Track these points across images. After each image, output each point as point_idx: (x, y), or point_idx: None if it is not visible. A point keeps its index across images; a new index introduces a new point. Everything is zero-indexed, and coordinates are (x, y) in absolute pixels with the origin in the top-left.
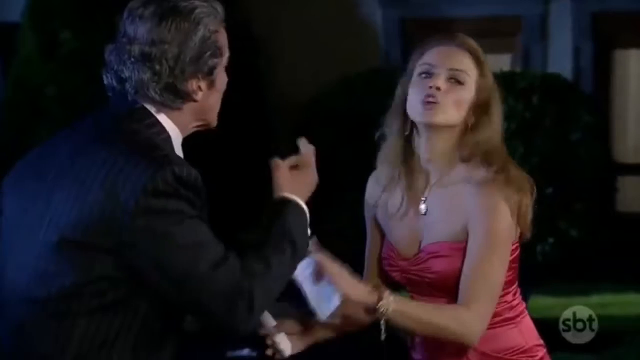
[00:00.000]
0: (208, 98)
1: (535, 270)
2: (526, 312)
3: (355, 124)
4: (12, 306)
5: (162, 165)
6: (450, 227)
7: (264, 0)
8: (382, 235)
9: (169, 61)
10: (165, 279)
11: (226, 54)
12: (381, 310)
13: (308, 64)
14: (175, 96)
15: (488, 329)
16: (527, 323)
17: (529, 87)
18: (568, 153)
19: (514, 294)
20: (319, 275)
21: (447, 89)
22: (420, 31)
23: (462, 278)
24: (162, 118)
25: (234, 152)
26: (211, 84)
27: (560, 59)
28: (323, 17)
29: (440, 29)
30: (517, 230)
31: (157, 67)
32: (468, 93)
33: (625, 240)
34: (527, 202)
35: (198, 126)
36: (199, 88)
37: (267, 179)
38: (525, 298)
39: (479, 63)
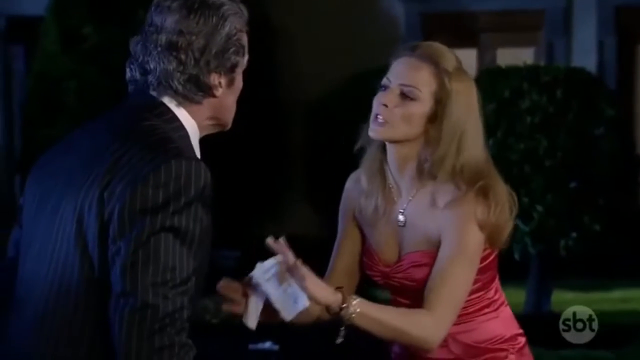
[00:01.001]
0: (227, 96)
1: (558, 265)
2: (506, 302)
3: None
4: (31, 303)
5: (170, 157)
6: (427, 237)
7: None
8: (360, 235)
9: (195, 52)
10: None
11: (247, 56)
12: (345, 312)
13: (326, 59)
14: (197, 88)
15: (469, 321)
16: (507, 313)
17: (553, 81)
18: (591, 147)
19: (495, 290)
20: (283, 276)
21: (396, 104)
22: (442, 25)
23: (429, 284)
24: (182, 113)
25: (249, 148)
26: (231, 82)
27: (583, 53)
28: (341, 11)
29: (462, 24)
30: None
31: (183, 57)
32: (420, 107)
33: None
34: (505, 219)
35: (213, 125)
36: (220, 84)
37: (280, 175)
38: (547, 292)
39: (439, 75)
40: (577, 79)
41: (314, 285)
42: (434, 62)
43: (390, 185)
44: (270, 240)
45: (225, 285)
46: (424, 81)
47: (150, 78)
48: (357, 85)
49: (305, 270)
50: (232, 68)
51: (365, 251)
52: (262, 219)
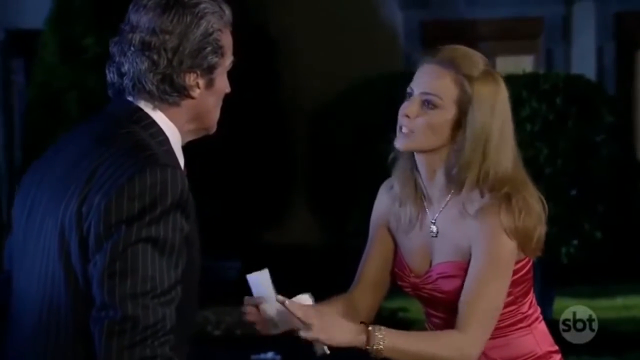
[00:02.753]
0: (206, 98)
1: (559, 272)
2: (541, 317)
3: (374, 126)
4: (25, 319)
5: (145, 165)
6: (457, 247)
7: (281, 2)
8: (393, 244)
9: (168, 52)
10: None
11: (229, 57)
12: (371, 348)
13: (326, 66)
14: (172, 89)
15: (501, 336)
16: (542, 329)
17: (553, 89)
18: (592, 154)
19: (530, 304)
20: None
21: (418, 114)
22: (442, 33)
23: (461, 299)
24: (160, 117)
25: (248, 158)
26: (210, 83)
27: (583, 60)
28: (342, 19)
29: (461, 31)
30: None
31: (156, 56)
32: (442, 115)
33: None
34: (533, 224)
35: (196, 129)
36: (197, 85)
37: (281, 185)
38: (549, 300)
39: (460, 80)
40: (576, 86)
41: (333, 334)
42: (455, 67)
43: (422, 195)
44: (285, 302)
45: (250, 310)
46: (444, 88)
47: (125, 81)
48: (357, 92)
49: (317, 318)
50: (210, 69)
51: (397, 262)
52: (263, 229)
